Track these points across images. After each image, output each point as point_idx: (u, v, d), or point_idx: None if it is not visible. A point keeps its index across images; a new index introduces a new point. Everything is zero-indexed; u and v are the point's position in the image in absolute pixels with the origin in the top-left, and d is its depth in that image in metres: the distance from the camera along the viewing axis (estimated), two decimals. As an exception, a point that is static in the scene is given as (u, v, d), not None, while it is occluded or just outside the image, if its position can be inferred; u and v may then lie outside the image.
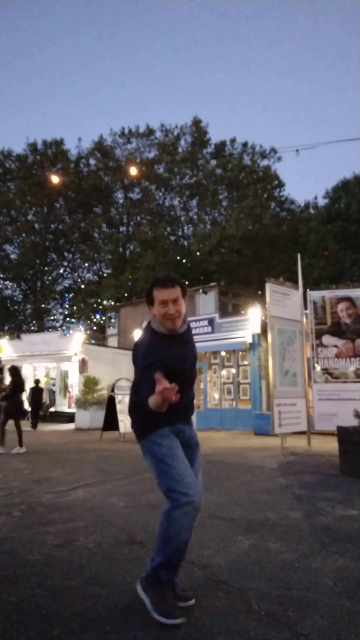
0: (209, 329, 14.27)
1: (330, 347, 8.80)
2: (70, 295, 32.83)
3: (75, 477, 5.61)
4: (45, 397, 16.91)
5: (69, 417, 15.32)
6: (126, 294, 27.30)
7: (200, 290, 17.61)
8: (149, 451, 2.26)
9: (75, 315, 32.33)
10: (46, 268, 32.98)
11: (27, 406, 17.06)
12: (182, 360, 2.28)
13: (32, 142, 31.09)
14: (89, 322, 31.57)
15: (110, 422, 10.50)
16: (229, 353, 13.95)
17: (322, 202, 26.58)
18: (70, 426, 14.18)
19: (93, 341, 23.99)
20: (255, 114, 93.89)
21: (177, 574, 2.25)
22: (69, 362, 16.62)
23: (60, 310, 34.00)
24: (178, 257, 27.18)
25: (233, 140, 31.09)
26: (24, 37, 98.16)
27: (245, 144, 30.92)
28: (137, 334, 15.63)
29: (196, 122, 30.78)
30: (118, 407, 10.52)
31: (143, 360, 2.17)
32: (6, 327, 30.99)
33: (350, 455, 5.65)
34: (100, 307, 29.34)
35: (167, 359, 2.17)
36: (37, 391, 14.59)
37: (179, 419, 2.35)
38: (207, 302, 17.27)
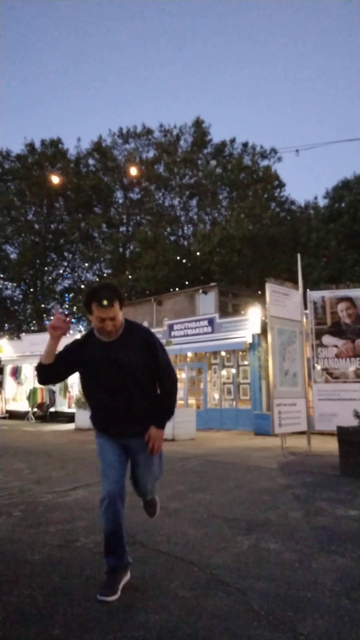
0: (209, 329, 14.27)
1: (330, 347, 8.80)
2: (70, 295, 32.80)
3: (75, 477, 5.60)
4: (45, 397, 16.92)
5: (69, 417, 15.30)
6: (126, 294, 27.28)
7: (200, 290, 17.59)
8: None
9: (75, 316, 32.30)
10: (46, 268, 32.95)
11: (27, 406, 17.08)
12: (112, 364, 2.33)
13: (29, 142, 31.08)
14: (89, 322, 31.55)
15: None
16: (229, 353, 13.94)
17: (322, 202, 26.56)
18: (70, 426, 14.15)
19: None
20: (255, 114, 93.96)
21: (121, 559, 2.38)
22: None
23: (60, 310, 33.97)
24: (178, 257, 27.14)
25: (233, 141, 31.04)
26: (23, 36, 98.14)
27: (245, 144, 30.86)
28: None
29: (197, 122, 30.73)
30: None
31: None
32: (6, 327, 30.99)
33: (350, 455, 5.66)
34: (100, 307, 29.24)
35: (92, 360, 2.34)
36: None
37: (111, 430, 2.45)
38: (207, 302, 17.24)
